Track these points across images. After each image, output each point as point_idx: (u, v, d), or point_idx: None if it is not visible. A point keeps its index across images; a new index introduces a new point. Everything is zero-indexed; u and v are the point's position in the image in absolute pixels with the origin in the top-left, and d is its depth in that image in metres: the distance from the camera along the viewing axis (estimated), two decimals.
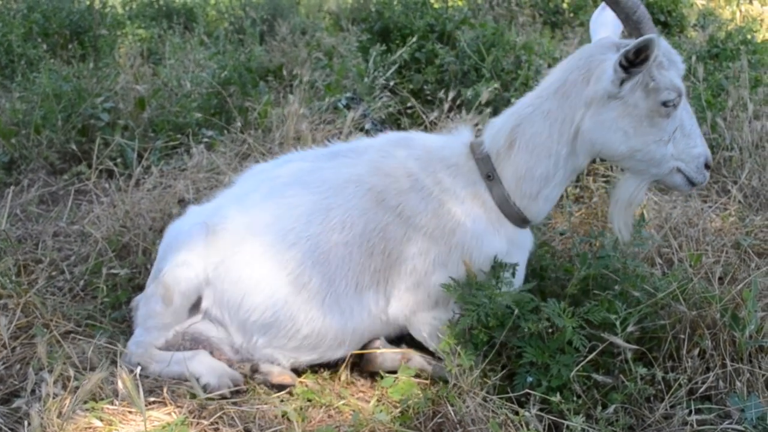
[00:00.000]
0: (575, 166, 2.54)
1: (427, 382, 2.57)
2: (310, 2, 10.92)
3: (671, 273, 2.69)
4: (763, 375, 2.34)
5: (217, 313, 2.65)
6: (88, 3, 7.17)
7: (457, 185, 2.53)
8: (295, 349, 2.61)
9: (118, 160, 4.21)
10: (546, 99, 2.48)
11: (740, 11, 8.67)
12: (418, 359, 2.63)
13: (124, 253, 3.25)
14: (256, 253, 2.56)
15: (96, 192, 3.65)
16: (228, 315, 2.62)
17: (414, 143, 2.68)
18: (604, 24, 2.60)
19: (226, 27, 8.55)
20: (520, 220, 2.57)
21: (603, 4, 2.56)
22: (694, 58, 5.15)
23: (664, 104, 2.36)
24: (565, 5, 9.08)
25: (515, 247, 2.60)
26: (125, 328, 2.90)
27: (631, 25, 2.38)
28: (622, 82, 2.34)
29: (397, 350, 2.66)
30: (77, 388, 2.14)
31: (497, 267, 2.49)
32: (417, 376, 2.57)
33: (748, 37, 6.91)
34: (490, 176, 2.53)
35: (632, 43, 2.26)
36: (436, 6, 6.17)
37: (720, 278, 2.99)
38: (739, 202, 3.68)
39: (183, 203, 3.40)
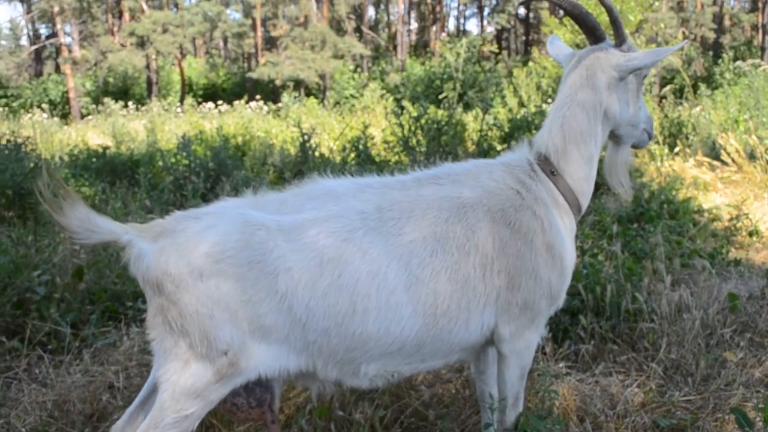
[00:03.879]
0: (603, 142, 2.99)
1: None
2: (255, 155, 11.26)
3: None
4: None
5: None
6: (32, 165, 7.29)
7: (542, 193, 2.84)
8: (407, 364, 2.68)
9: (51, 345, 4.18)
10: (577, 92, 2.91)
11: (661, 171, 9.16)
12: None
13: None
14: (387, 304, 2.53)
15: (26, 380, 3.64)
16: (324, 361, 2.55)
17: (495, 166, 2.95)
18: (561, 47, 3.18)
19: (171, 181, 8.64)
20: (577, 209, 2.93)
21: (551, 38, 3.25)
22: (615, 226, 5.43)
23: (644, 78, 2.98)
24: None
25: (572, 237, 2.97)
26: None
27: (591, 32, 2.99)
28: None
29: None
30: None
31: None
32: None
33: (670, 197, 7.33)
34: (553, 172, 2.88)
35: (643, 61, 2.84)
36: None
37: None
38: (660, 375, 3.82)
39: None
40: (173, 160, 9.46)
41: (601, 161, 3.05)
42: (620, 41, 2.94)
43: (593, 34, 2.96)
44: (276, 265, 2.44)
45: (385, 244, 2.59)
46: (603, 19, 13.06)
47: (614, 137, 3.07)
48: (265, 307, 2.43)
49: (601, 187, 8.19)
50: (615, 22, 2.93)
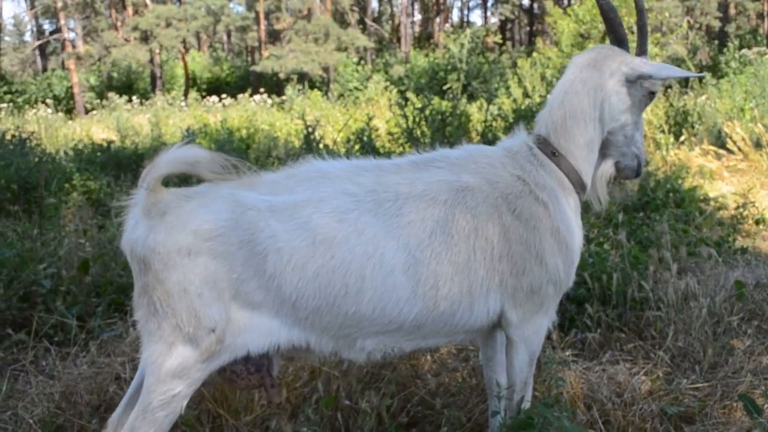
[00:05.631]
0: (602, 135, 2.89)
1: None
2: (260, 148, 11.26)
3: None
4: None
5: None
6: (37, 160, 7.30)
7: (546, 178, 2.80)
8: (407, 341, 2.68)
9: (57, 337, 4.18)
10: (582, 70, 2.87)
11: (667, 159, 9.13)
12: None
13: None
14: (383, 285, 2.52)
15: (33, 372, 3.64)
16: (317, 335, 2.55)
17: (495, 152, 2.90)
18: None
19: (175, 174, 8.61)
20: (581, 187, 2.88)
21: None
22: (621, 215, 5.41)
23: (651, 94, 2.89)
24: None
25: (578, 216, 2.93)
26: None
27: (613, 30, 2.95)
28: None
29: None
30: None
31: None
32: None
33: (676, 185, 7.31)
34: (554, 153, 2.84)
35: (657, 69, 2.79)
36: None
37: None
38: (667, 363, 3.81)
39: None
40: None
41: None
42: (641, 51, 2.91)
43: (615, 33, 2.93)
44: (266, 245, 2.43)
45: (382, 225, 2.57)
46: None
47: (603, 146, 2.96)
48: (253, 285, 2.43)
49: None
50: (642, 28, 2.90)
